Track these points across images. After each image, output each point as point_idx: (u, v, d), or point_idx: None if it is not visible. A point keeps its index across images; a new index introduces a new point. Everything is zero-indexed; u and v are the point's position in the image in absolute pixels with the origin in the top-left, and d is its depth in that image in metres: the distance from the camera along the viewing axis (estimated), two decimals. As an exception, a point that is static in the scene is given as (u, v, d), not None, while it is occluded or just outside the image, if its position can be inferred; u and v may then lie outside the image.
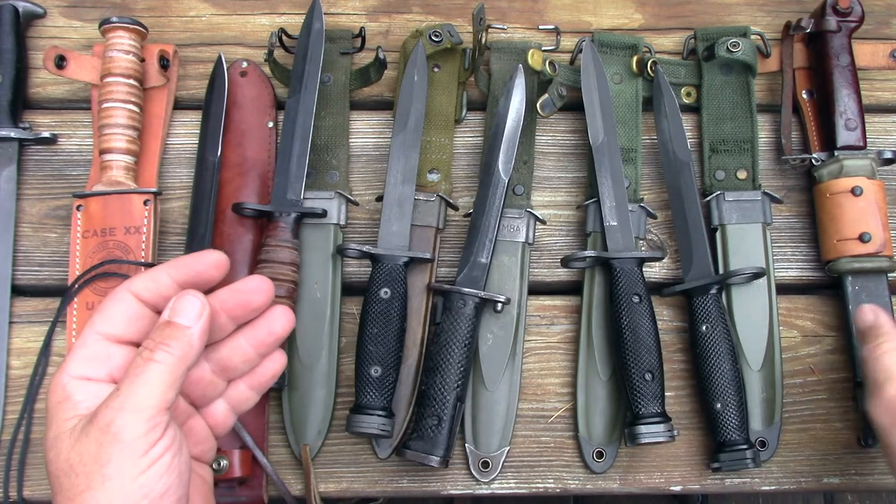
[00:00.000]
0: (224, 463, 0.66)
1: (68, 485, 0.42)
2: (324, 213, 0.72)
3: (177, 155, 0.78)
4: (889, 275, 0.72)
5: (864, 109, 0.76)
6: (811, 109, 0.78)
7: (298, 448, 0.69)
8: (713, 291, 0.70)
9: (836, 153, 0.74)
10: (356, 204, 0.75)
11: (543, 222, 0.75)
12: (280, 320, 0.50)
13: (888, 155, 0.73)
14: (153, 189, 0.73)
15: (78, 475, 0.42)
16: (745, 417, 0.68)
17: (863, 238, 0.70)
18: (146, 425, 0.42)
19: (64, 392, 0.45)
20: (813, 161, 0.74)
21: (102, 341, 0.46)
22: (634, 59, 0.78)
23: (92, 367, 0.46)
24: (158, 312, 0.47)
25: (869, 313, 0.64)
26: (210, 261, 0.48)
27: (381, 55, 0.75)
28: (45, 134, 0.76)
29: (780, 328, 0.72)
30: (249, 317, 0.50)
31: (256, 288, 0.49)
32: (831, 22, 0.76)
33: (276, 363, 0.52)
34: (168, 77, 0.77)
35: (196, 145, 0.76)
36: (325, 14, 0.77)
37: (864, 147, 0.74)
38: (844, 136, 0.74)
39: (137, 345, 0.47)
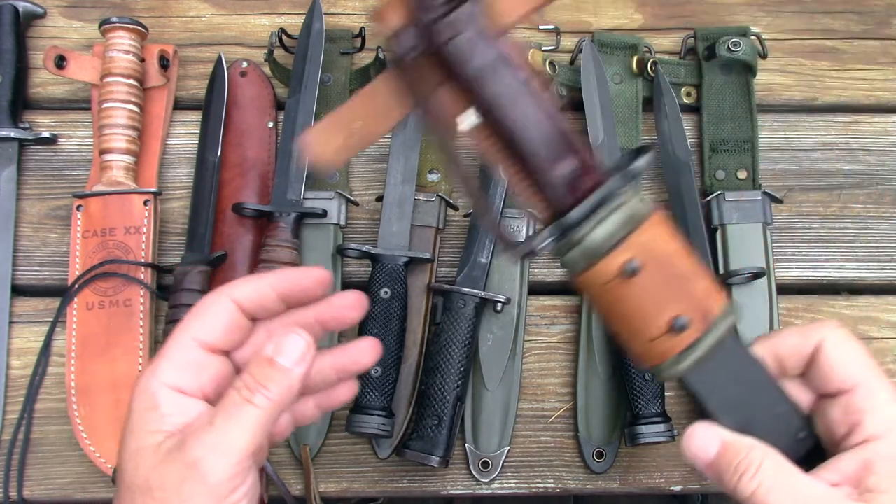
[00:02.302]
0: (224, 463, 0.65)
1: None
2: (324, 213, 0.72)
3: (177, 155, 0.78)
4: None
5: (858, 109, 0.75)
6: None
7: (298, 448, 0.69)
8: (713, 291, 0.70)
9: (565, 223, 0.40)
10: (356, 204, 0.75)
11: (543, 222, 0.75)
12: (369, 354, 0.49)
13: (639, 165, 0.41)
14: (153, 189, 0.73)
15: (155, 500, 0.40)
16: (745, 417, 0.67)
17: (675, 326, 0.41)
18: (233, 470, 0.41)
19: (153, 401, 0.43)
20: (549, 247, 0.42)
21: (197, 349, 0.44)
22: (634, 59, 0.78)
23: (185, 377, 0.44)
24: (254, 320, 0.46)
25: (705, 444, 0.42)
26: (315, 277, 0.46)
27: (381, 55, 0.75)
28: (45, 134, 0.76)
29: (780, 328, 0.72)
30: (337, 329, 0.48)
31: (353, 304, 0.47)
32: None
33: (349, 391, 0.50)
34: (168, 77, 0.77)
35: (196, 145, 0.76)
36: (325, 14, 0.77)
37: (597, 183, 0.40)
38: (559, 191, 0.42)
39: (227, 354, 0.45)
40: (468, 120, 0.41)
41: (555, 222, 0.40)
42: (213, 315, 0.45)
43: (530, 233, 0.73)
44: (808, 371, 0.44)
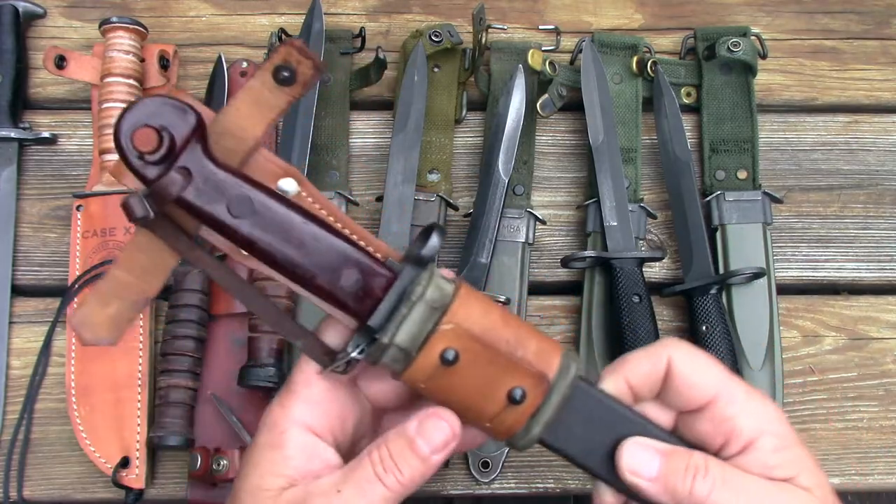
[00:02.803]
0: (224, 463, 0.66)
1: None
2: (324, 213, 0.72)
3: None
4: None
5: (858, 109, 0.75)
6: None
7: (298, 448, 0.69)
8: (713, 291, 0.70)
9: (370, 328, 0.40)
10: (356, 204, 0.75)
11: (543, 222, 0.75)
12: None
13: (429, 250, 0.40)
14: (153, 189, 0.73)
15: None
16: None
17: (513, 398, 0.40)
18: None
19: (280, 439, 0.41)
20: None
21: (325, 383, 0.42)
22: (634, 59, 0.78)
23: (315, 415, 0.42)
24: None
25: (644, 460, 0.41)
26: None
27: (381, 55, 0.75)
28: (45, 134, 0.76)
29: (780, 328, 0.72)
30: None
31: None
32: None
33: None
34: (168, 77, 0.77)
35: (196, 145, 0.76)
36: (325, 14, 0.77)
37: (389, 283, 0.40)
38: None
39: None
40: (242, 252, 0.40)
41: (360, 331, 0.40)
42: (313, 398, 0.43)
43: (530, 233, 0.73)
44: (663, 392, 0.44)
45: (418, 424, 0.40)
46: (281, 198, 0.40)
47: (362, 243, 0.41)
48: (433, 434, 0.40)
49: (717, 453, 0.42)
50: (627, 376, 0.43)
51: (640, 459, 0.41)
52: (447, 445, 0.40)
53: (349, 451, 0.44)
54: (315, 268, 0.39)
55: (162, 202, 0.38)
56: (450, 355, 0.39)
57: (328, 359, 0.41)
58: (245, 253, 0.40)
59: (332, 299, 0.40)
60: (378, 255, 0.41)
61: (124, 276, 0.40)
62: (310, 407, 0.42)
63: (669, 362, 0.43)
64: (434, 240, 0.39)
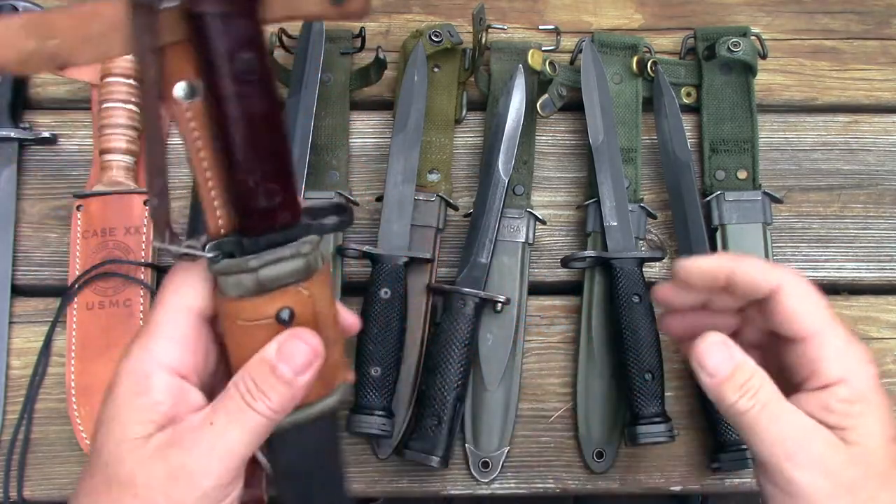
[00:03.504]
0: (224, 463, 0.65)
1: (118, 497, 0.38)
2: (324, 213, 0.72)
3: (177, 155, 0.78)
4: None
5: (858, 109, 0.75)
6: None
7: (298, 448, 0.69)
8: (713, 291, 0.70)
9: (245, 244, 0.39)
10: (356, 204, 0.75)
11: (543, 222, 0.75)
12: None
13: (330, 223, 0.41)
14: (153, 189, 0.73)
15: (137, 497, 0.38)
16: (745, 417, 0.67)
17: None
18: (228, 475, 0.39)
19: (144, 384, 0.39)
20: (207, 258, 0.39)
21: (192, 319, 0.40)
22: (634, 59, 0.78)
23: (180, 355, 0.40)
24: None
25: (723, 362, 0.44)
26: None
27: (381, 55, 0.75)
28: (45, 134, 0.76)
29: (743, 254, 0.72)
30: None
31: (352, 325, 0.46)
32: None
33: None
34: (168, 77, 0.77)
35: (196, 145, 0.76)
36: (325, 14, 0.77)
37: (292, 222, 0.39)
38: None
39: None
40: (188, 90, 0.36)
41: (232, 237, 0.39)
42: (206, 277, 0.40)
43: (530, 233, 0.73)
44: (764, 310, 0.46)
45: (278, 349, 0.40)
46: (272, 85, 0.37)
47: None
48: (294, 356, 0.39)
49: (796, 385, 0.45)
50: (734, 272, 0.46)
51: (720, 360, 0.44)
52: (310, 365, 0.40)
53: (211, 394, 0.42)
54: (254, 159, 0.37)
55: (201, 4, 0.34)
56: (284, 316, 0.39)
57: (171, 239, 0.39)
58: (189, 92, 0.36)
59: (235, 194, 0.38)
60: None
61: (60, 27, 0.34)
62: (174, 346, 0.39)
63: (778, 288, 0.45)
64: (334, 219, 0.40)
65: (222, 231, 0.39)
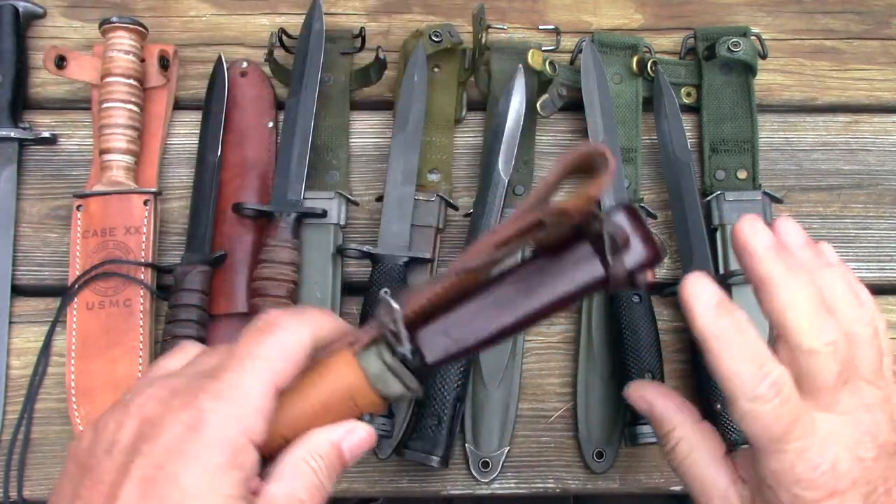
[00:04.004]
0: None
1: None
2: (324, 214, 0.72)
3: (177, 155, 0.78)
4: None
5: (858, 109, 0.75)
6: None
7: (298, 448, 0.69)
8: (713, 291, 0.70)
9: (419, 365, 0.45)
10: (356, 204, 0.75)
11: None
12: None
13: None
14: (153, 189, 0.73)
15: None
16: (745, 417, 0.67)
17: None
18: None
19: (238, 459, 0.37)
20: None
21: (273, 395, 0.39)
22: (634, 59, 0.78)
23: (266, 429, 0.38)
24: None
25: (640, 401, 0.48)
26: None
27: (381, 55, 0.75)
28: (45, 134, 0.76)
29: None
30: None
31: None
32: None
33: None
34: (168, 77, 0.77)
35: (196, 145, 0.76)
36: (325, 14, 0.77)
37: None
38: None
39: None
40: None
41: (416, 355, 0.41)
42: (293, 355, 0.40)
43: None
44: None
45: (345, 431, 0.41)
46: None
47: None
48: (355, 447, 0.41)
49: None
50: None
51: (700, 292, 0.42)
52: (365, 449, 0.42)
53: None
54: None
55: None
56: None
57: (397, 340, 0.41)
58: None
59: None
60: None
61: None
62: (265, 423, 0.38)
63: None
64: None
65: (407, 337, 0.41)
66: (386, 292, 0.41)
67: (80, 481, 0.37)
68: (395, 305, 0.40)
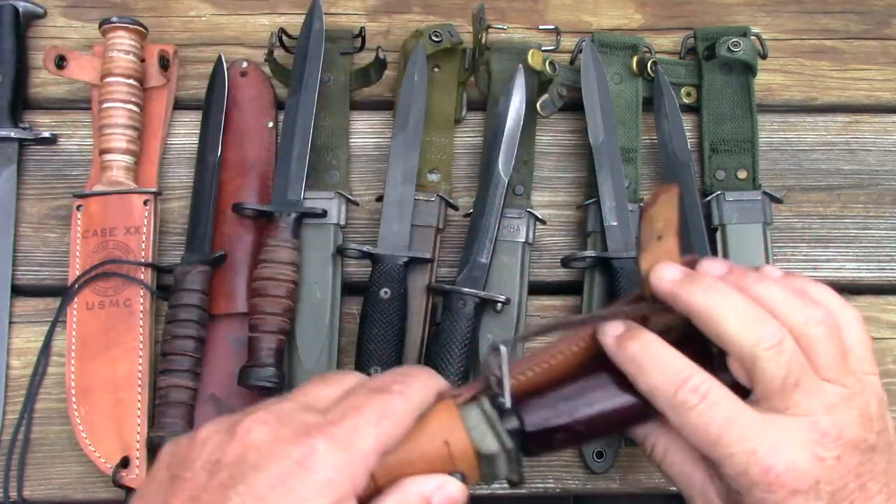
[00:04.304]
0: (224, 463, 0.65)
1: None
2: (324, 214, 0.72)
3: (177, 155, 0.78)
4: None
5: (858, 109, 0.75)
6: None
7: (298, 448, 0.69)
8: (713, 291, 0.70)
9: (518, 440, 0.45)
10: (356, 204, 0.75)
11: (543, 222, 0.75)
12: None
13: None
14: (153, 189, 0.73)
15: None
16: (745, 417, 0.67)
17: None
18: None
19: (348, 490, 0.36)
20: None
21: (381, 454, 0.39)
22: (634, 59, 0.78)
23: (366, 484, 0.38)
24: None
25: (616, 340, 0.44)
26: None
27: (381, 55, 0.75)
28: (45, 134, 0.76)
29: None
30: None
31: None
32: None
33: None
34: (168, 77, 0.77)
35: (196, 145, 0.76)
36: (325, 14, 0.77)
37: None
38: None
39: None
40: None
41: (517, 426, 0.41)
42: (406, 421, 0.40)
43: (530, 232, 0.73)
44: None
45: (437, 485, 0.40)
46: None
47: None
48: (447, 497, 0.40)
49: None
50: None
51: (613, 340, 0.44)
52: None
53: None
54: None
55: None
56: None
57: (494, 380, 0.41)
58: None
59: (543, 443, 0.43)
60: None
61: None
62: (368, 477, 0.38)
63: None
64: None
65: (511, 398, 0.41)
66: (496, 341, 0.41)
67: (172, 490, 0.37)
68: (503, 349, 0.41)
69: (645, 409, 0.42)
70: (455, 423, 0.40)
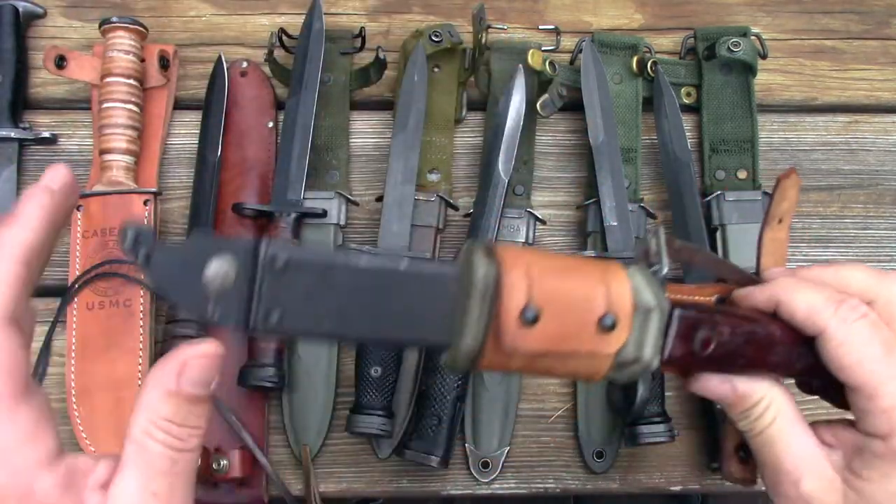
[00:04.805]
0: (224, 463, 0.66)
1: None
2: (324, 214, 0.72)
3: (177, 155, 0.78)
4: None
5: (858, 109, 0.75)
6: None
7: (298, 448, 0.69)
8: (713, 291, 0.70)
9: None
10: (356, 204, 0.75)
11: (543, 222, 0.75)
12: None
13: None
14: (153, 189, 0.73)
15: None
16: (745, 417, 0.67)
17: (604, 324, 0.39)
18: None
19: None
20: None
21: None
22: (634, 59, 0.78)
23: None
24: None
25: (722, 385, 0.43)
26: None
27: (381, 55, 0.75)
28: (45, 134, 0.76)
29: (806, 268, 0.71)
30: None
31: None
32: None
33: None
34: (168, 77, 0.77)
35: (196, 145, 0.76)
36: (325, 14, 0.77)
37: None
38: None
39: None
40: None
41: None
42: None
43: (530, 232, 0.73)
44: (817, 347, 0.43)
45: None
46: None
47: None
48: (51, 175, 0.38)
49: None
50: (779, 307, 0.43)
51: (720, 393, 0.43)
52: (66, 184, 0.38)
53: None
54: None
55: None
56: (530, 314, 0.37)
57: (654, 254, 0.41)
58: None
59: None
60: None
61: None
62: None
63: (824, 336, 0.41)
64: None
65: None
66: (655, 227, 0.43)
67: None
68: (661, 229, 0.41)
69: (780, 355, 0.42)
70: (617, 271, 0.39)
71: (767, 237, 0.47)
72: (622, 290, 0.38)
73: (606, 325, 0.37)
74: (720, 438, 0.50)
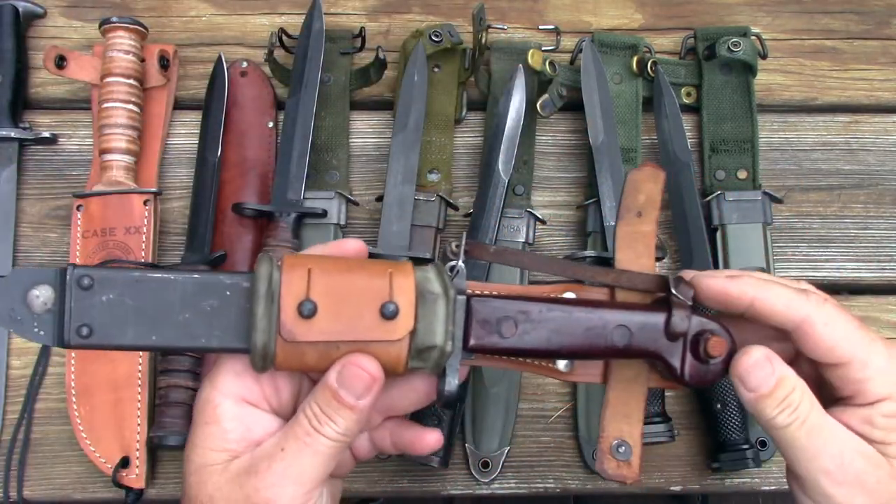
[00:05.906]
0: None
1: None
2: (324, 213, 0.72)
3: (177, 155, 0.78)
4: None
5: (858, 109, 0.75)
6: None
7: (298, 448, 0.69)
8: (713, 291, 0.70)
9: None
10: (356, 204, 0.75)
11: (543, 222, 0.75)
12: (427, 445, 0.49)
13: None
14: (153, 189, 0.73)
15: None
16: (745, 417, 0.68)
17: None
18: (302, 499, 0.41)
19: (213, 415, 0.42)
20: None
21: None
22: (634, 59, 0.78)
23: (247, 385, 0.43)
24: None
25: (767, 377, 0.43)
26: (350, 248, 0.46)
27: (381, 55, 0.75)
28: (45, 134, 0.76)
29: (769, 275, 0.72)
30: None
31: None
32: None
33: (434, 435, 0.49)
34: (168, 77, 0.77)
35: (196, 145, 0.76)
36: (325, 14, 0.77)
37: None
38: None
39: None
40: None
41: None
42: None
43: (530, 232, 0.73)
44: (795, 338, 0.44)
45: (338, 374, 0.41)
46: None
47: None
48: (354, 382, 0.41)
49: (839, 400, 0.44)
50: (759, 306, 0.44)
51: (761, 376, 0.43)
52: (370, 389, 0.41)
53: (292, 413, 0.44)
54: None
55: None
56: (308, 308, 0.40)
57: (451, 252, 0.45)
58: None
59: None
60: None
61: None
62: (238, 378, 0.43)
63: (806, 323, 0.43)
64: None
65: None
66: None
67: None
68: (463, 234, 0.45)
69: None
70: (404, 266, 0.42)
71: (623, 230, 0.48)
72: (405, 281, 0.41)
73: (388, 313, 0.40)
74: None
